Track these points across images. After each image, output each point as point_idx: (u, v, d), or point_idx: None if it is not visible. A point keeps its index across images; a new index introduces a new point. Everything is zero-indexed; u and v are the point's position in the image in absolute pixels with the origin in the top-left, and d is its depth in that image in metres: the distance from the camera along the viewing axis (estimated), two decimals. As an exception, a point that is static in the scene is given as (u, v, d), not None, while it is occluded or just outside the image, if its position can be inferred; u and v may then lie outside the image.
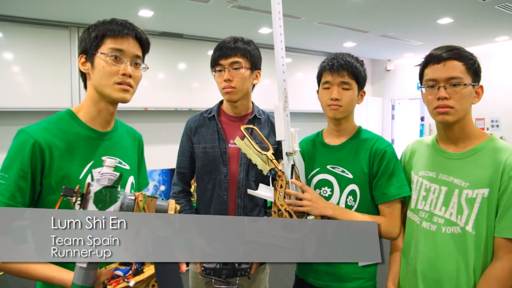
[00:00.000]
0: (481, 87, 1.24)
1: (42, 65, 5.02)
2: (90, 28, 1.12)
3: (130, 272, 0.90)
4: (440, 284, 1.24)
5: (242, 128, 1.38)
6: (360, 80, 1.40)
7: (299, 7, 4.56)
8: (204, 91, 6.03)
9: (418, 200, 1.33)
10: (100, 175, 0.89)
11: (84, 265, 0.87)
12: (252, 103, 1.62)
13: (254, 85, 1.59)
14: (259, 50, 1.56)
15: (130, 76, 1.10)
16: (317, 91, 1.49)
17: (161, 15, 4.86)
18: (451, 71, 1.20)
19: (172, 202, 1.00)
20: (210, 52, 1.55)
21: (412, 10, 4.71)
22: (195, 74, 6.10)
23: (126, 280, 0.89)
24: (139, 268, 0.92)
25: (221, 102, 1.64)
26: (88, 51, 1.11)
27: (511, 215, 1.14)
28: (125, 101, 1.12)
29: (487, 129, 6.75)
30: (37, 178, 1.03)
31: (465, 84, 1.19)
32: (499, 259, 1.16)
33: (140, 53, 1.14)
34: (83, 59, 1.13)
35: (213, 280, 1.37)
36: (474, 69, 1.21)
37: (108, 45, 1.08)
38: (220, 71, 1.49)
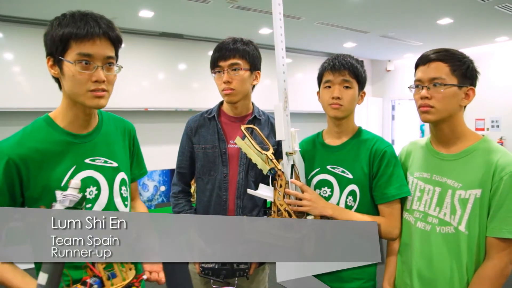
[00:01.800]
0: (472, 89, 1.25)
1: (42, 66, 4.98)
2: (53, 25, 1.03)
3: None
4: (435, 283, 1.26)
5: (242, 127, 1.38)
6: (360, 79, 1.40)
7: (299, 7, 4.56)
8: (204, 92, 6.03)
9: (413, 201, 1.35)
10: (63, 196, 0.91)
11: (43, 283, 0.88)
12: (252, 103, 1.62)
13: (254, 86, 1.59)
14: (258, 51, 1.56)
15: (103, 81, 1.03)
16: (317, 93, 1.49)
17: (161, 15, 4.86)
18: (434, 72, 1.23)
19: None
20: (211, 53, 1.55)
21: (412, 11, 4.71)
22: (195, 75, 6.10)
23: None
24: None
25: (221, 102, 1.64)
26: (54, 54, 1.03)
27: (502, 215, 1.16)
28: (100, 107, 1.07)
29: (487, 129, 6.74)
30: (16, 192, 1.03)
31: (446, 85, 1.22)
32: (490, 258, 1.19)
33: (111, 53, 1.06)
34: (51, 62, 1.05)
35: (211, 280, 1.37)
36: (462, 71, 1.23)
37: (74, 50, 1.00)
38: (219, 72, 1.49)
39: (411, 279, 1.32)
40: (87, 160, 1.12)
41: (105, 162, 1.16)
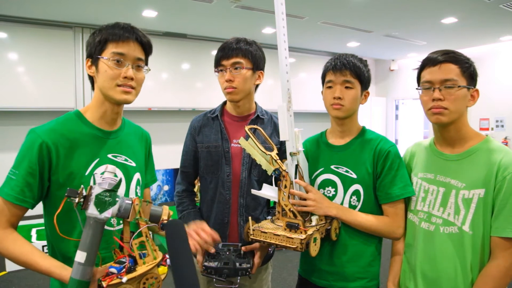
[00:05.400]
0: (477, 90, 1.26)
1: (46, 66, 5.05)
2: (95, 33, 1.17)
3: (124, 269, 0.94)
4: (439, 283, 1.26)
5: (246, 128, 1.38)
6: (363, 79, 1.40)
7: (303, 7, 4.56)
8: (207, 91, 6.04)
9: (417, 201, 1.35)
10: (102, 179, 0.95)
11: (82, 261, 0.91)
12: (255, 103, 1.62)
13: (257, 86, 1.59)
14: (262, 51, 1.56)
15: (132, 79, 1.14)
16: (322, 92, 1.49)
17: (164, 15, 4.88)
18: (446, 73, 1.23)
19: (166, 207, 1.05)
20: (214, 52, 1.56)
21: (416, 10, 4.69)
22: (198, 74, 6.11)
23: (119, 276, 0.93)
24: (132, 266, 0.96)
25: (225, 102, 1.64)
26: (93, 55, 1.15)
27: (506, 215, 1.16)
28: (127, 102, 1.17)
29: (492, 129, 6.71)
30: (45, 175, 1.09)
31: (459, 86, 1.22)
32: (495, 258, 1.18)
33: (142, 56, 1.18)
34: (89, 63, 1.18)
35: (214, 279, 1.37)
36: (469, 73, 1.24)
37: (110, 49, 1.13)
38: (222, 71, 1.50)
39: (415, 279, 1.32)
40: (109, 156, 1.20)
41: (126, 160, 1.24)
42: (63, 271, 1.00)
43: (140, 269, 0.97)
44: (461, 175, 1.24)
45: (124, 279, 0.92)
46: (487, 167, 1.19)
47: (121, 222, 1.10)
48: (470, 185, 1.21)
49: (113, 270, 0.94)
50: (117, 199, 0.96)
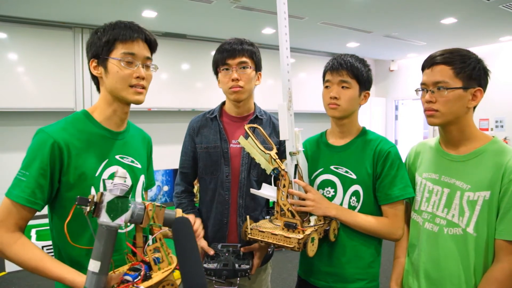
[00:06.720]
0: (479, 90, 1.22)
1: (46, 66, 5.04)
2: (98, 32, 1.14)
3: (139, 277, 0.91)
4: (442, 284, 1.25)
5: (246, 127, 1.38)
6: (361, 80, 1.39)
7: (303, 7, 4.55)
8: (207, 92, 6.04)
9: (422, 202, 1.34)
10: (113, 185, 0.91)
11: (96, 270, 0.87)
12: (254, 103, 1.63)
13: (255, 86, 1.60)
14: (259, 52, 1.57)
15: (143, 78, 1.14)
16: None
17: (164, 15, 4.87)
18: (437, 75, 1.22)
19: (179, 211, 1.03)
20: (213, 53, 1.56)
21: (416, 10, 4.69)
22: (198, 75, 6.10)
23: (135, 285, 0.89)
24: (148, 273, 0.93)
25: (223, 103, 1.64)
26: (99, 55, 1.13)
27: (511, 218, 1.14)
28: (139, 102, 1.15)
29: (491, 129, 6.71)
30: (55, 176, 1.06)
31: (449, 88, 1.20)
32: (499, 261, 1.16)
33: (149, 54, 1.18)
34: (94, 64, 1.15)
35: (213, 280, 1.36)
36: (466, 73, 1.20)
37: (120, 50, 1.11)
38: (227, 70, 1.50)
39: (419, 279, 1.31)
40: (117, 157, 1.18)
41: (132, 162, 1.23)
42: (76, 278, 0.97)
43: (156, 276, 0.92)
44: (466, 177, 1.22)
45: None
46: (493, 169, 1.18)
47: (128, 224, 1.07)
48: (475, 187, 1.20)
49: (128, 278, 0.90)
50: (129, 204, 0.92)
